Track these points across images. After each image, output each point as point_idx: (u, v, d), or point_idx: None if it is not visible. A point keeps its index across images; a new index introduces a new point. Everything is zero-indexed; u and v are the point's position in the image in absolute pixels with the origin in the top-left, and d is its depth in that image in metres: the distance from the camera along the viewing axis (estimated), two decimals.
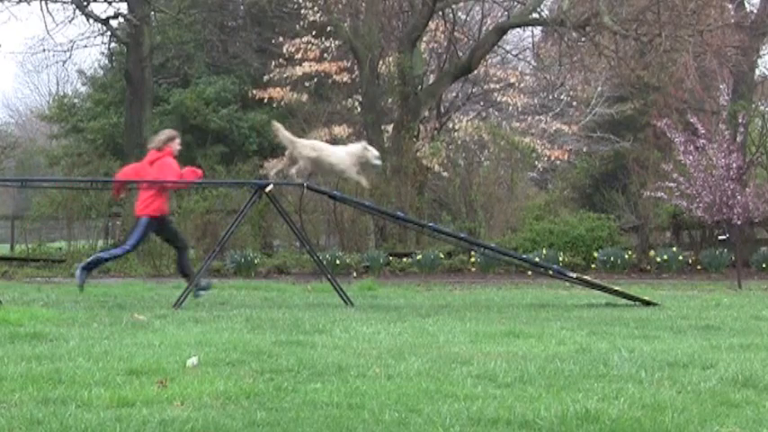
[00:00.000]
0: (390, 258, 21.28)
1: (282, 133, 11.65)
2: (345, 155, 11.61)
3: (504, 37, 27.90)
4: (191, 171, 11.93)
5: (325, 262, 16.14)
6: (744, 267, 18.13)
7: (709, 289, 15.58)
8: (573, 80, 29.73)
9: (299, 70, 28.36)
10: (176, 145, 12.09)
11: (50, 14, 34.86)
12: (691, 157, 16.83)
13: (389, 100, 26.98)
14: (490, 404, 4.75)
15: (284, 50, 28.51)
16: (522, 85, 30.10)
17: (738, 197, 16.41)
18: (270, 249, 23.61)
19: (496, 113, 31.65)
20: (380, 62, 26.12)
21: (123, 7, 27.97)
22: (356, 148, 11.85)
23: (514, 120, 30.37)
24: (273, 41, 29.62)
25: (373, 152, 11.74)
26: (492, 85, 29.99)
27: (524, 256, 15.55)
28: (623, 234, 23.15)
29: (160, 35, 30.35)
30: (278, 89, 28.70)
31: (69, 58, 36.36)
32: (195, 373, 5.56)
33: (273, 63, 28.89)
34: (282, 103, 28.80)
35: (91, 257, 12.14)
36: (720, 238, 21.76)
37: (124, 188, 12.91)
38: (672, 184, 17.43)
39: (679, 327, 8.46)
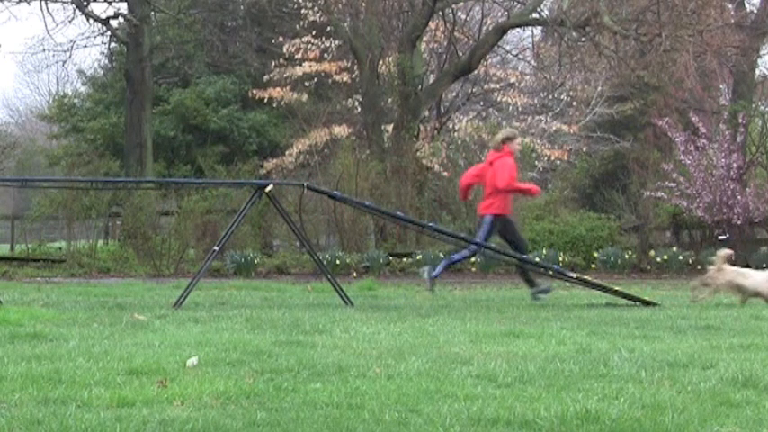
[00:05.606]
0: (390, 258, 21.27)
1: (719, 263, 11.91)
2: (763, 280, 11.99)
3: (504, 37, 27.90)
4: (529, 187, 12.02)
5: (325, 262, 16.14)
6: (744, 267, 18.11)
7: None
8: (573, 80, 29.73)
9: (299, 70, 28.36)
10: (515, 145, 12.00)
11: (50, 14, 34.72)
12: (691, 157, 16.84)
13: (389, 100, 26.97)
14: (490, 404, 4.75)
15: (284, 50, 28.52)
16: (522, 85, 30.09)
17: (738, 197, 16.43)
18: (270, 249, 23.60)
19: (496, 113, 31.64)
20: (380, 62, 26.11)
21: (123, 7, 27.98)
22: None
23: (514, 120, 30.35)
24: (273, 41, 29.62)
25: None
26: (492, 85, 29.98)
27: (524, 257, 15.51)
28: (623, 234, 23.13)
29: (160, 35, 30.34)
30: (278, 89, 28.70)
31: (69, 58, 36.21)
32: (195, 373, 5.55)
33: (273, 63, 28.90)
34: (282, 103, 28.80)
35: (443, 262, 12.12)
36: (720, 238, 21.73)
37: (470, 189, 12.74)
38: (672, 184, 17.44)
39: (679, 327, 8.45)
